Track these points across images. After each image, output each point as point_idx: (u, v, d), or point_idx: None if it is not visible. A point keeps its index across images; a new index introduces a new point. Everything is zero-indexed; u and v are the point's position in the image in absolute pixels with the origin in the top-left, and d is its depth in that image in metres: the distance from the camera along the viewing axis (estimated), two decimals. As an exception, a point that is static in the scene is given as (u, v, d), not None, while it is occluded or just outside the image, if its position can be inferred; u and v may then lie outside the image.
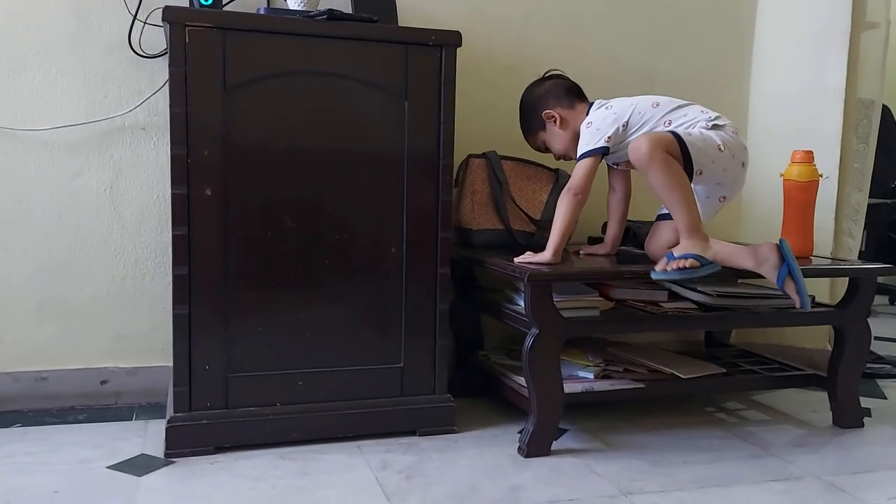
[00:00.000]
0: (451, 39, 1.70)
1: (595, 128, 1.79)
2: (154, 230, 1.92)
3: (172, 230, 1.56)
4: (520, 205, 2.04)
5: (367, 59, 1.66)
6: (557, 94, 1.89)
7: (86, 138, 1.86)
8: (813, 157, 1.95)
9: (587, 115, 1.85)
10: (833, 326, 1.97)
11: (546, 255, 1.70)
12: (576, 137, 1.84)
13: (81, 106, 1.85)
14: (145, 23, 1.85)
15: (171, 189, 1.56)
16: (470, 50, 1.84)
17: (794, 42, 2.33)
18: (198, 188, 1.57)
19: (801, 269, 1.69)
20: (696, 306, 1.89)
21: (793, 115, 2.32)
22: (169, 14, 1.53)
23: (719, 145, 1.73)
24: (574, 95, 1.90)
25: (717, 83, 2.40)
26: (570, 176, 2.08)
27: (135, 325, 1.93)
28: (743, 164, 1.79)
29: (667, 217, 1.78)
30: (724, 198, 1.84)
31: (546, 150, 1.96)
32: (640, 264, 1.78)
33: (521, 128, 1.97)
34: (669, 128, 1.75)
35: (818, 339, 2.31)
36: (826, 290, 2.27)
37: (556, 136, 1.89)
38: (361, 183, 1.68)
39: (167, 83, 1.58)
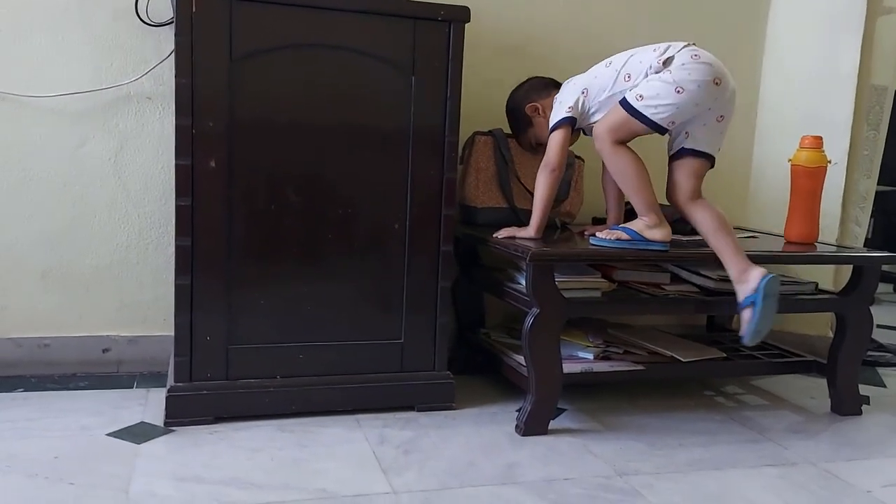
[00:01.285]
0: (459, 15, 1.69)
1: (559, 101, 1.85)
2: (158, 200, 1.92)
3: (176, 201, 1.56)
4: (524, 183, 2.03)
5: (375, 33, 1.65)
6: (536, 88, 1.95)
7: (91, 106, 1.86)
8: (822, 143, 1.93)
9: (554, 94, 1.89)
10: (835, 313, 1.97)
11: (530, 231, 1.76)
12: (545, 120, 1.88)
13: (87, 73, 1.84)
14: (152, -10, 1.84)
15: (176, 160, 1.55)
16: (478, 27, 1.82)
17: (808, 25, 2.30)
18: (202, 159, 1.57)
19: (801, 256, 1.70)
20: (698, 290, 1.88)
21: (804, 99, 2.30)
22: (175, -18, 1.52)
23: (676, 89, 1.66)
24: (552, 87, 1.93)
25: (729, 64, 2.32)
26: (576, 155, 2.10)
27: (138, 294, 1.94)
28: (716, 83, 1.67)
29: (676, 157, 1.77)
30: (721, 117, 1.74)
31: (538, 144, 1.96)
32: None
33: (511, 130, 2.02)
34: (629, 83, 1.73)
35: (820, 325, 2.31)
36: (830, 277, 2.26)
37: (542, 127, 1.90)
38: (366, 158, 1.68)
39: (173, 52, 1.57)
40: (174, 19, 1.55)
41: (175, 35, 1.53)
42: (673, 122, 1.70)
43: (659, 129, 1.71)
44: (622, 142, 1.73)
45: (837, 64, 2.25)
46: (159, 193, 1.92)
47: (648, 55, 1.73)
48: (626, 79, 1.75)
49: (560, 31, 2.18)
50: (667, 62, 1.70)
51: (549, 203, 1.79)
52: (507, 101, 2.00)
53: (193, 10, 1.52)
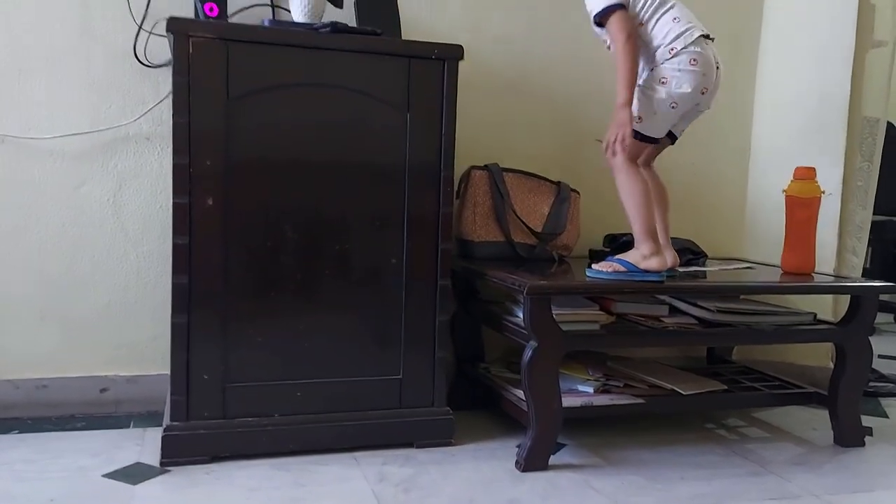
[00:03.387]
0: (453, 53, 1.71)
1: None
2: (157, 239, 1.93)
3: (173, 239, 1.56)
4: (521, 217, 2.05)
5: (370, 72, 1.67)
6: None
7: (90, 147, 1.87)
8: (815, 174, 1.95)
9: None
10: (834, 344, 1.96)
11: (622, 109, 1.67)
12: None
13: (86, 115, 1.86)
14: (150, 33, 1.87)
15: (173, 198, 1.56)
16: (473, 64, 1.85)
17: (798, 59, 2.33)
18: (199, 198, 1.58)
19: (799, 286, 1.78)
20: (696, 321, 1.88)
21: (796, 132, 2.32)
22: (173, 25, 1.54)
23: (671, 105, 1.71)
24: None
25: (721, 99, 2.37)
26: (571, 188, 2.11)
27: (136, 333, 1.94)
28: (702, 92, 1.73)
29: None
30: (700, 111, 1.81)
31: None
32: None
33: None
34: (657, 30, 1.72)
35: (820, 356, 2.30)
36: (829, 308, 2.26)
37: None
38: (363, 193, 1.69)
39: (171, 93, 1.59)
40: (172, 61, 1.58)
41: (173, 76, 1.55)
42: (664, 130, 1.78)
43: (658, 140, 1.78)
44: (634, 158, 1.74)
45: (829, 97, 2.27)
46: (158, 233, 1.93)
47: (669, 24, 1.71)
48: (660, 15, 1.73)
49: (556, 67, 2.21)
50: (676, 54, 1.70)
51: (636, 74, 1.69)
52: None
53: (191, 51, 1.54)
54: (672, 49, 1.70)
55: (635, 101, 1.71)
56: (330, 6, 1.82)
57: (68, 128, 1.85)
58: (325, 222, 1.67)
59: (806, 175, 1.95)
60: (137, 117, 1.89)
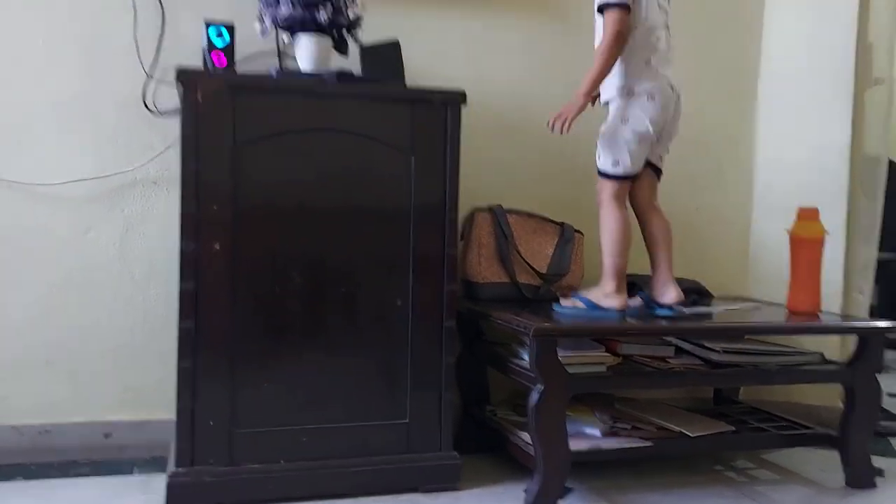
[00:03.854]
0: (455, 98, 1.74)
1: None
2: (163, 283, 1.93)
3: (180, 285, 1.57)
4: (525, 258, 2.05)
5: (375, 118, 1.70)
6: None
7: (97, 193, 1.90)
8: (818, 215, 1.96)
9: None
10: (843, 384, 1.95)
11: (579, 96, 1.74)
12: None
13: (94, 161, 1.89)
14: (159, 81, 1.90)
15: (181, 244, 1.58)
16: (475, 107, 1.87)
17: (798, 99, 2.36)
18: (206, 243, 1.59)
19: (806, 326, 1.81)
20: (703, 363, 1.87)
21: (798, 172, 2.33)
22: (182, 76, 1.57)
23: (638, 139, 1.79)
24: None
25: (723, 141, 2.42)
26: (575, 229, 2.12)
27: (142, 378, 1.93)
28: (665, 116, 1.82)
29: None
30: (667, 119, 1.84)
31: None
32: (647, 320, 1.77)
33: None
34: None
35: (828, 395, 2.28)
36: (836, 348, 2.25)
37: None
38: (368, 237, 1.70)
39: (179, 138, 1.61)
40: (180, 108, 1.60)
41: (181, 125, 1.58)
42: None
43: (636, 175, 1.84)
44: (619, 198, 1.82)
45: (829, 137, 2.29)
46: (164, 276, 1.93)
47: (643, 62, 1.77)
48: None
49: (556, 110, 2.22)
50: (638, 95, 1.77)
51: (606, 74, 1.74)
52: None
53: (199, 101, 1.57)
54: (631, 90, 1.77)
55: (606, 147, 1.80)
56: (336, 54, 1.85)
57: (76, 173, 1.87)
58: (330, 266, 1.68)
59: (809, 215, 1.96)
60: (145, 162, 1.91)
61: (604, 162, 1.82)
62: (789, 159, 2.36)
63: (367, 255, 1.70)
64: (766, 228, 2.38)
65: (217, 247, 1.59)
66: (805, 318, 1.94)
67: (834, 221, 2.17)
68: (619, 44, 1.71)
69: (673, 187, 2.38)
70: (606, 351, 1.80)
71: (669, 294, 1.85)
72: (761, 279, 2.38)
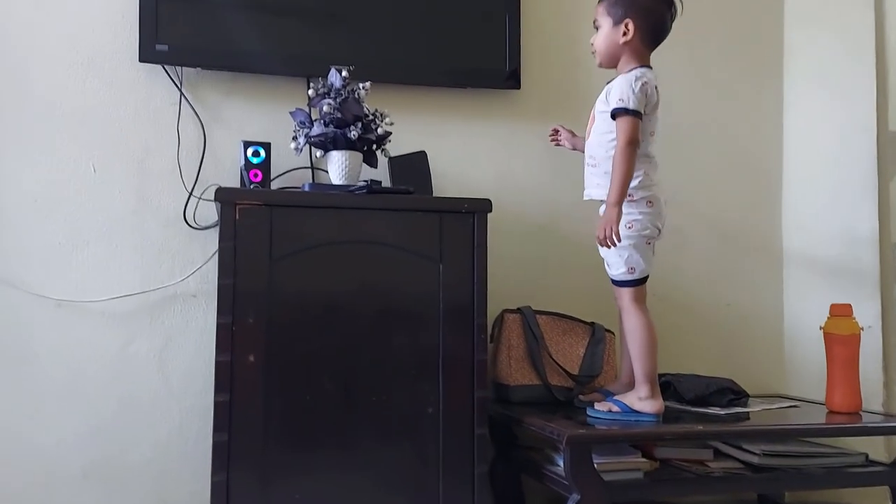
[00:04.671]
0: (482, 206, 1.79)
1: (639, 87, 1.75)
2: (199, 394, 1.96)
3: (215, 397, 1.60)
4: (556, 360, 2.05)
5: (404, 227, 1.75)
6: (652, 24, 1.81)
7: (139, 307, 1.96)
8: (851, 310, 1.94)
9: (640, 67, 1.80)
10: (890, 487, 1.88)
11: (611, 207, 1.73)
12: (618, 55, 1.82)
13: (137, 276, 1.96)
14: (200, 198, 1.99)
15: (216, 356, 1.62)
16: (502, 210, 1.91)
17: (823, 195, 2.36)
18: (241, 355, 1.63)
19: (850, 428, 1.74)
20: (743, 465, 1.82)
21: (828, 265, 2.32)
22: (221, 195, 1.66)
23: (646, 242, 1.81)
24: (655, 42, 1.84)
25: (749, 238, 2.42)
26: (605, 329, 2.12)
27: (176, 489, 1.94)
28: (662, 220, 1.84)
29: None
30: (663, 223, 1.85)
31: (594, 28, 1.88)
32: (684, 423, 1.75)
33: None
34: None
35: (876, 499, 2.19)
36: (881, 447, 2.17)
37: (611, 39, 1.82)
38: (398, 344, 1.72)
39: (217, 252, 1.68)
40: (219, 223, 1.68)
41: (219, 241, 1.65)
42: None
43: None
44: (641, 300, 1.81)
45: (856, 228, 2.28)
46: (200, 387, 1.96)
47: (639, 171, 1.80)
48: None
49: (582, 211, 2.25)
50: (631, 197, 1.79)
51: (630, 178, 1.75)
52: None
53: (237, 218, 1.64)
54: (630, 196, 1.78)
55: (617, 255, 1.79)
56: (366, 165, 1.93)
57: (120, 290, 1.95)
58: (361, 374, 1.70)
59: (842, 312, 1.94)
60: (185, 277, 1.98)
61: (618, 271, 1.82)
62: (818, 252, 2.35)
63: (396, 363, 1.72)
64: (800, 323, 2.36)
65: (251, 358, 1.63)
66: (846, 419, 1.89)
67: (868, 315, 2.15)
68: (635, 149, 1.75)
69: (702, 284, 2.38)
70: (643, 455, 1.77)
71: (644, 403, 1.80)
72: (798, 374, 2.33)
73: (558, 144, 2.08)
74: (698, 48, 2.38)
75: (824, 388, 1.99)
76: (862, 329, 1.93)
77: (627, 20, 1.78)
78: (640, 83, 1.74)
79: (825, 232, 2.35)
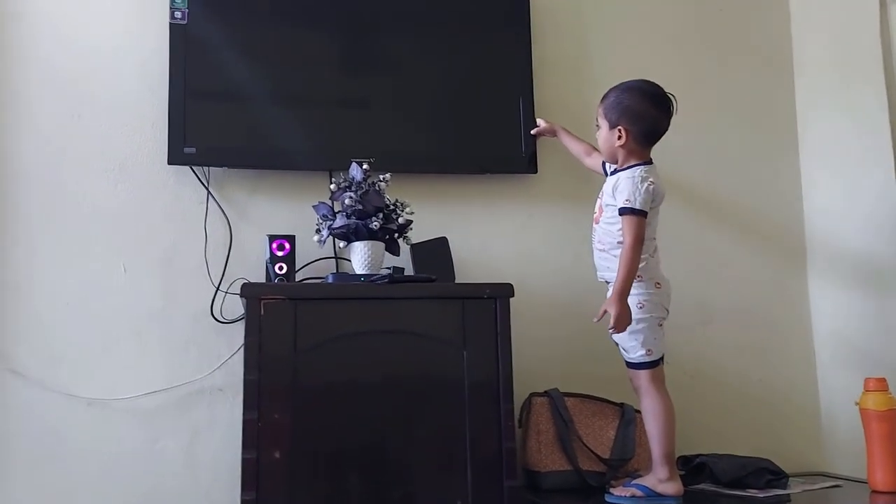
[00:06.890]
0: (504, 291, 1.80)
1: (644, 188, 1.81)
2: (226, 488, 1.94)
3: (241, 496, 1.59)
4: (587, 443, 2.01)
5: (427, 315, 1.77)
6: (644, 129, 1.87)
7: (167, 403, 1.98)
8: (887, 385, 1.89)
9: (641, 165, 1.86)
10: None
11: (614, 300, 1.75)
12: (616, 154, 1.90)
13: (165, 373, 1.98)
14: (227, 293, 2.03)
15: (242, 453, 1.62)
16: (524, 292, 1.91)
17: (848, 271, 2.34)
18: (267, 452, 1.62)
19: None
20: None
21: (859, 343, 2.27)
22: (247, 290, 1.69)
23: (658, 323, 1.85)
24: (650, 143, 1.90)
25: (777, 317, 2.39)
26: (636, 409, 2.08)
27: (203, 589, 1.91)
28: (669, 300, 1.88)
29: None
30: (669, 302, 1.89)
31: (596, 126, 1.95)
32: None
33: (605, 94, 1.94)
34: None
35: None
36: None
37: (609, 141, 1.90)
38: (424, 433, 1.71)
39: (243, 346, 1.70)
40: (245, 318, 1.70)
41: (245, 336, 1.68)
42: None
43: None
44: (660, 381, 1.83)
45: (884, 306, 2.23)
46: (226, 480, 1.94)
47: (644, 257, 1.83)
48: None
49: (603, 289, 2.27)
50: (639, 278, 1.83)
51: (635, 273, 1.79)
52: (637, 84, 1.90)
53: (262, 313, 1.67)
54: (639, 276, 1.81)
55: (632, 339, 1.82)
56: (388, 253, 1.96)
57: (148, 386, 1.97)
58: (388, 464, 1.69)
59: (878, 387, 1.89)
60: (212, 370, 2.00)
61: (636, 354, 1.83)
62: (846, 331, 2.31)
63: (423, 454, 1.70)
64: (836, 396, 2.30)
65: (277, 455, 1.63)
66: (890, 499, 1.82)
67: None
68: (640, 246, 1.79)
69: (732, 361, 2.34)
70: (676, 543, 1.71)
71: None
72: (837, 450, 2.26)
73: (541, 135, 2.21)
74: (713, 130, 2.43)
75: (865, 463, 1.93)
76: (899, 403, 1.88)
77: (620, 126, 1.86)
78: (645, 185, 1.80)
79: (851, 311, 2.31)
